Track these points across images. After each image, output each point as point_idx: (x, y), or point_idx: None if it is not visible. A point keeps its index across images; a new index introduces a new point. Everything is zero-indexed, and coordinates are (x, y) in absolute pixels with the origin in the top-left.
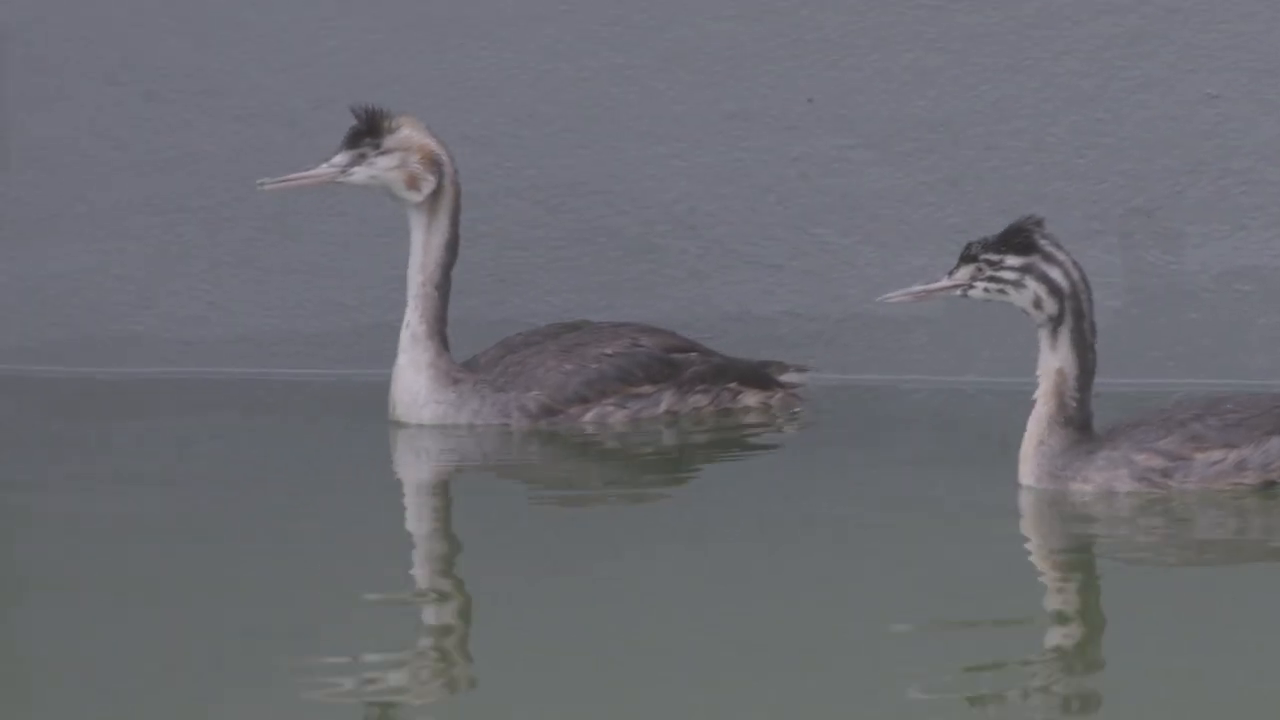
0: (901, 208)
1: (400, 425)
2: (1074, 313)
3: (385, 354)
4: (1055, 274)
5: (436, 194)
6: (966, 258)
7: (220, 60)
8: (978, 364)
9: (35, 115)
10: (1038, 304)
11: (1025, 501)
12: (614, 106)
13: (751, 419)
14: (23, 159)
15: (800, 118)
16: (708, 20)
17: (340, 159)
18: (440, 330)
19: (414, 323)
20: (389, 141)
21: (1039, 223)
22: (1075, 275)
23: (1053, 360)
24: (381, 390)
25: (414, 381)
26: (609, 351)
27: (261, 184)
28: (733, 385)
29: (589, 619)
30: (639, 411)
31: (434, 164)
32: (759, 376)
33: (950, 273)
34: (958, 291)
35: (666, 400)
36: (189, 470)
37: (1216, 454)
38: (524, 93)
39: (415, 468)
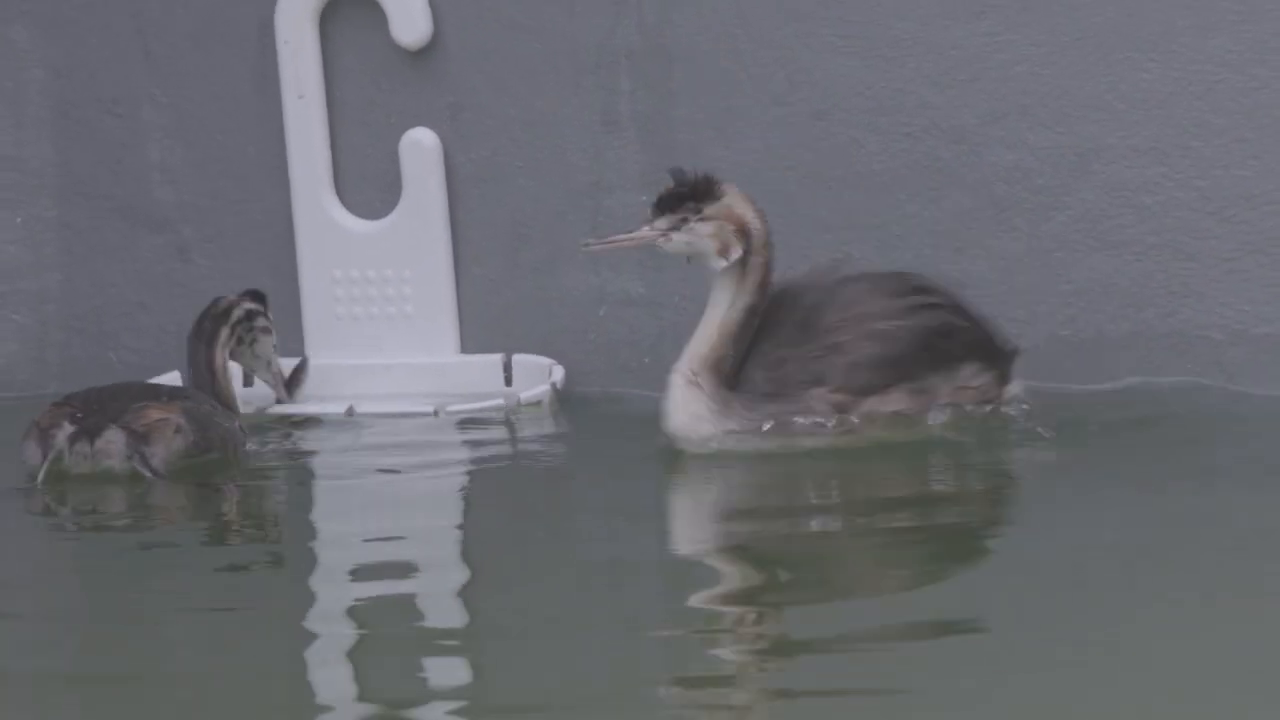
0: None
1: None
2: None
3: (1064, 367)
4: None
5: (744, 260)
6: None
7: (887, 78)
8: None
9: (704, 137)
10: None
11: None
12: None
13: None
14: None
15: None
16: None
17: (662, 223)
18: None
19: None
20: (711, 209)
21: None
22: None
23: None
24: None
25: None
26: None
27: (586, 245)
28: None
29: None
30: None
31: (745, 234)
32: None
33: None
34: None
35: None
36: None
37: None
38: (1193, 104)
39: None
